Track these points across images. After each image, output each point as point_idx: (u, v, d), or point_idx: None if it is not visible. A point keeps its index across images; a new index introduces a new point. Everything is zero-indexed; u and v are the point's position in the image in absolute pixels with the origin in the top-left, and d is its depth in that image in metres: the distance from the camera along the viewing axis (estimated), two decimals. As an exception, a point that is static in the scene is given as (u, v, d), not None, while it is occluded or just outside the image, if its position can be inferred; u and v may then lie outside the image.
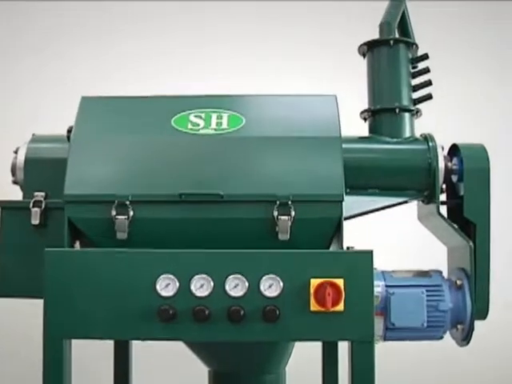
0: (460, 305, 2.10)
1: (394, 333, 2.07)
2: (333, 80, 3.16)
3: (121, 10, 3.70)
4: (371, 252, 1.83)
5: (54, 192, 2.06)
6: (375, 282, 2.06)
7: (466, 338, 2.12)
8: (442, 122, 2.92)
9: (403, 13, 2.36)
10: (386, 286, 2.09)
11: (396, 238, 3.27)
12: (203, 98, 2.16)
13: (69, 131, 2.10)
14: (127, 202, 1.94)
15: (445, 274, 2.22)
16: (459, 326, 2.11)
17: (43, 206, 2.08)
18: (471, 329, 2.09)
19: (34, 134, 2.27)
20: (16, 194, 2.22)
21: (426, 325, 2.04)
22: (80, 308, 1.80)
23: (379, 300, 2.06)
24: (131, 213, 1.94)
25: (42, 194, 2.11)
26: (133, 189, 1.96)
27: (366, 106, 2.29)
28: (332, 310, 1.76)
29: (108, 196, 1.95)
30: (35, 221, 2.07)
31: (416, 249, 3.00)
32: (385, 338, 2.09)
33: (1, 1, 3.71)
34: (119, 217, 1.93)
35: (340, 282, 1.78)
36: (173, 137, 2.04)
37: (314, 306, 1.77)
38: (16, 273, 2.08)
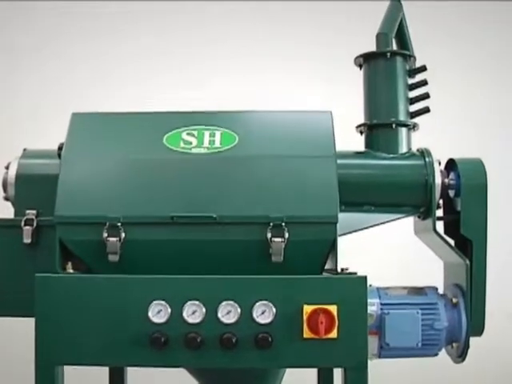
0: (455, 323, 2.08)
1: (388, 352, 2.06)
2: (333, 79, 3.12)
3: (120, 10, 3.66)
4: (365, 277, 1.81)
5: (46, 209, 2.04)
6: (370, 300, 2.06)
7: (461, 355, 2.11)
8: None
9: (401, 21, 2.31)
10: (381, 304, 2.07)
11: (394, 250, 3.25)
12: (196, 114, 2.12)
13: (59, 148, 2.07)
14: (118, 224, 1.92)
15: (441, 289, 2.21)
16: (454, 344, 2.11)
17: (35, 224, 2.07)
18: (466, 346, 2.08)
19: (25, 149, 2.24)
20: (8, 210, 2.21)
21: (420, 344, 2.03)
22: (72, 334, 1.79)
23: (374, 319, 2.05)
24: (123, 235, 1.92)
25: (34, 211, 2.09)
26: (124, 210, 1.93)
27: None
28: (325, 337, 1.75)
29: (99, 217, 1.93)
30: (27, 239, 2.06)
31: (413, 261, 2.97)
32: (379, 356, 2.09)
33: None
34: (111, 239, 1.91)
35: (333, 308, 1.76)
36: (165, 156, 2.01)
37: (306, 333, 1.76)
38: (8, 292, 2.07)
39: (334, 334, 1.76)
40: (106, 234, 1.91)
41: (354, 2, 3.57)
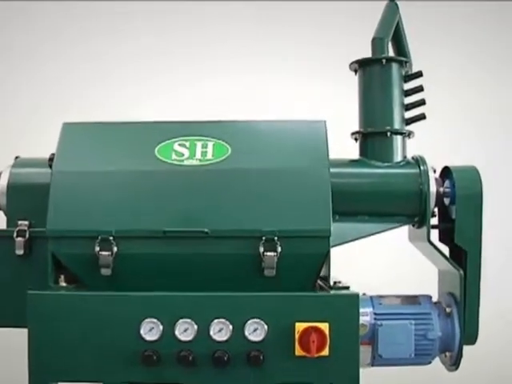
0: (449, 332, 2.08)
1: (381, 361, 2.06)
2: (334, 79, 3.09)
3: (121, 10, 3.62)
4: (357, 295, 1.81)
5: (39, 219, 2.03)
6: (363, 310, 2.07)
7: (454, 364, 2.12)
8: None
9: (397, 23, 2.27)
10: (375, 313, 2.07)
11: (389, 257, 3.24)
12: (188, 124, 2.09)
13: (50, 159, 2.05)
14: (110, 238, 1.91)
15: (435, 297, 2.21)
16: (448, 353, 2.11)
17: (27, 235, 2.06)
18: (460, 355, 2.09)
19: (17, 157, 2.22)
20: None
21: (413, 355, 2.03)
22: (64, 351, 1.79)
23: (367, 329, 2.05)
24: (115, 249, 1.91)
25: (26, 222, 2.08)
26: (116, 224, 1.92)
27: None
28: (317, 355, 1.75)
29: (91, 231, 1.92)
30: (19, 251, 2.05)
31: (409, 268, 2.97)
32: (372, 365, 2.10)
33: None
34: (103, 253, 1.91)
35: (325, 326, 1.76)
36: (157, 168, 1.99)
37: (298, 351, 1.76)
38: (1, 302, 2.07)
39: (325, 352, 1.76)
40: (98, 248, 1.91)
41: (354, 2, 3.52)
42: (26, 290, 1.85)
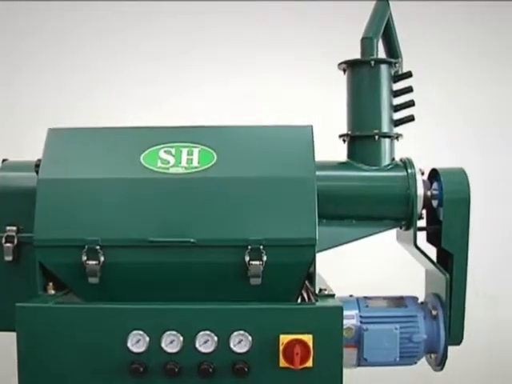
0: (434, 334, 2.11)
1: (366, 363, 2.10)
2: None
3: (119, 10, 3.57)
4: (341, 308, 1.83)
5: (27, 223, 2.04)
6: (350, 312, 2.09)
7: (440, 364, 2.15)
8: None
9: (388, 21, 2.23)
10: (361, 316, 2.09)
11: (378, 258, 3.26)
12: (174, 129, 2.08)
13: (37, 165, 2.05)
14: (97, 247, 1.92)
15: (422, 296, 2.24)
16: (433, 355, 2.14)
17: (15, 241, 2.08)
18: (445, 357, 2.12)
19: (4, 160, 2.22)
20: None
21: (398, 359, 2.07)
22: (53, 364, 1.82)
23: (353, 332, 2.08)
24: (102, 258, 1.92)
25: (14, 228, 2.10)
26: (103, 233, 1.93)
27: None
28: (300, 367, 1.78)
29: (78, 241, 1.93)
30: (8, 257, 2.07)
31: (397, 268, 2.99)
32: (358, 365, 2.13)
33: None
34: (90, 262, 1.92)
35: (309, 338, 1.78)
36: (142, 176, 1.98)
37: (282, 363, 1.78)
38: None
39: (309, 363, 1.78)
40: (85, 257, 1.92)
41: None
42: (14, 295, 1.88)
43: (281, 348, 1.78)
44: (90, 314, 1.83)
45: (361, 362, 2.09)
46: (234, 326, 1.80)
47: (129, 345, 1.80)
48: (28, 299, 1.90)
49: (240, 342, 1.81)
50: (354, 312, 2.10)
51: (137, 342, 1.81)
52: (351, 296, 2.17)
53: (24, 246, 2.08)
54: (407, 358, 2.10)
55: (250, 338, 1.80)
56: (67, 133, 2.09)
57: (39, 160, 2.05)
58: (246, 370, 1.79)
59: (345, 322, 2.00)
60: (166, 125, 2.09)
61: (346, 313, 2.03)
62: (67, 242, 1.94)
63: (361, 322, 2.08)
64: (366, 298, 2.17)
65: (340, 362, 1.82)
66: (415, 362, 2.15)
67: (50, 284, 2.01)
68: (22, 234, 2.08)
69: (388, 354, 2.06)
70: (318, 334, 1.79)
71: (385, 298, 2.18)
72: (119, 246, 1.93)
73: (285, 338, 1.78)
